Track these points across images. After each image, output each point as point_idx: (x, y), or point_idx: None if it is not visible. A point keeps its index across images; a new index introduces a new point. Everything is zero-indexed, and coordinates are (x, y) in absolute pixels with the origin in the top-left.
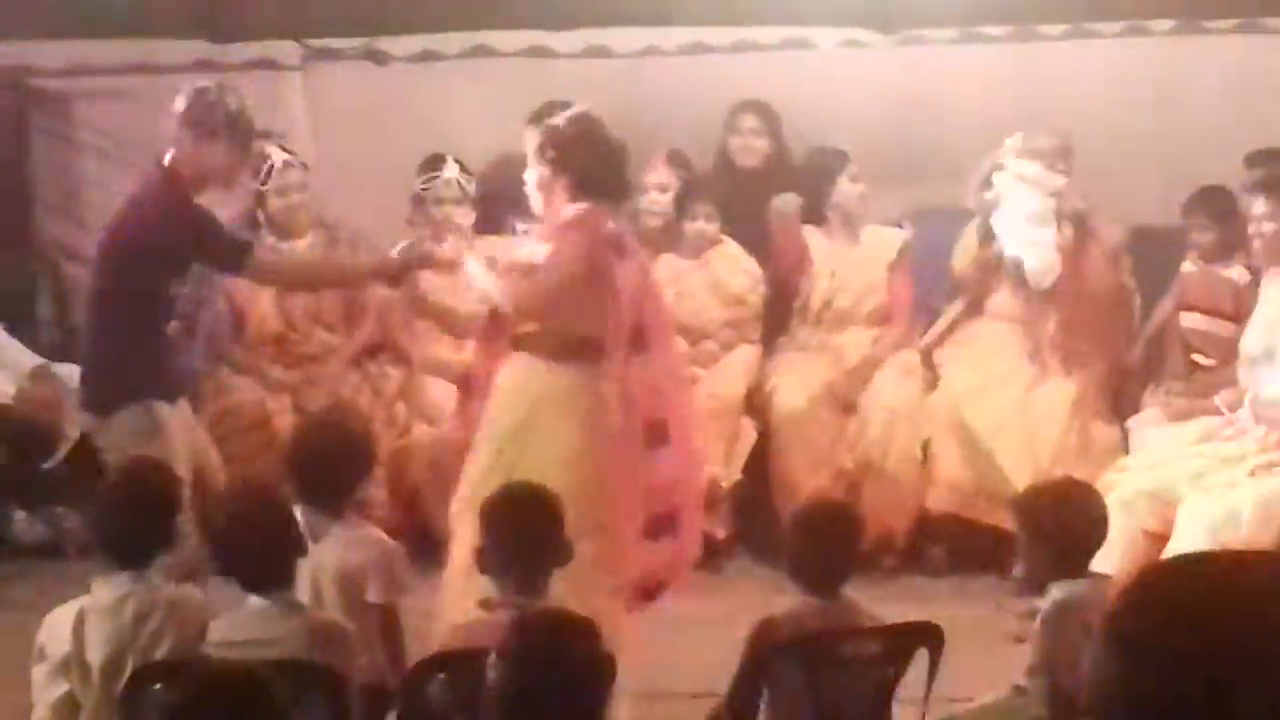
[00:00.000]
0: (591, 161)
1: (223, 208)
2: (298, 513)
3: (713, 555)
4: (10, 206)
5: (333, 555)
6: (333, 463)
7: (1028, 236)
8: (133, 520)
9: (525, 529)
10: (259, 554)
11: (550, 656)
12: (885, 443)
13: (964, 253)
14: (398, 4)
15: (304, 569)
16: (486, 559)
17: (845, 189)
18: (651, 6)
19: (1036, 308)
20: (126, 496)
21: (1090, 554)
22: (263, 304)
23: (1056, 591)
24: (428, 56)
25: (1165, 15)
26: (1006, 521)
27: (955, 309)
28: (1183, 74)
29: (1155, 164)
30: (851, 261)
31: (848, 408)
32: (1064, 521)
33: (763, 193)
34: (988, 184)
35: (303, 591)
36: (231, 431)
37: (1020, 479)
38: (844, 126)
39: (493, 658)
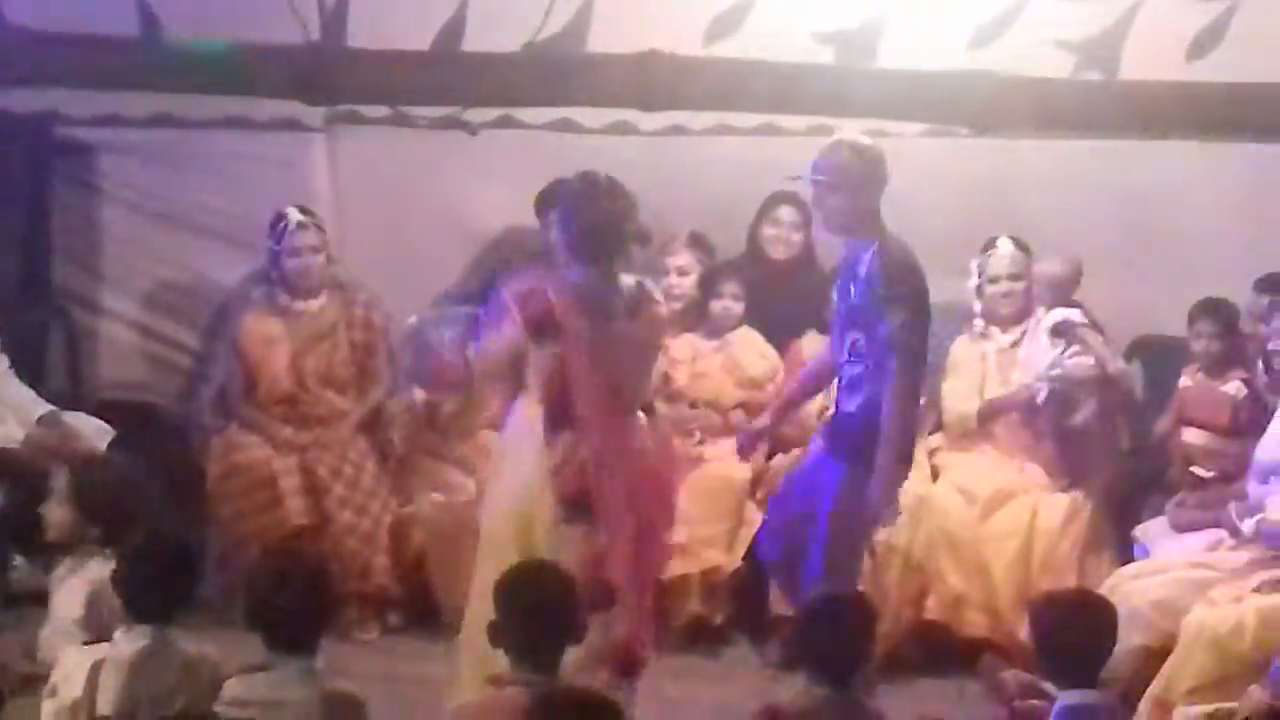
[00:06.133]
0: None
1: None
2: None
3: (710, 641)
4: (28, 254)
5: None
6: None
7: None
8: (158, 577)
9: (543, 606)
10: (295, 616)
11: None
12: (905, 547)
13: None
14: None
15: None
16: (501, 634)
17: None
18: (677, 92)
19: (1040, 424)
20: (154, 553)
21: (1100, 663)
22: (276, 363)
23: (1066, 699)
24: (452, 124)
25: (1189, 125)
26: (992, 631)
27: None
28: (1199, 183)
29: (1166, 272)
30: None
31: None
32: (1075, 630)
33: (788, 284)
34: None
35: None
36: (237, 490)
37: (1009, 590)
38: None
39: None
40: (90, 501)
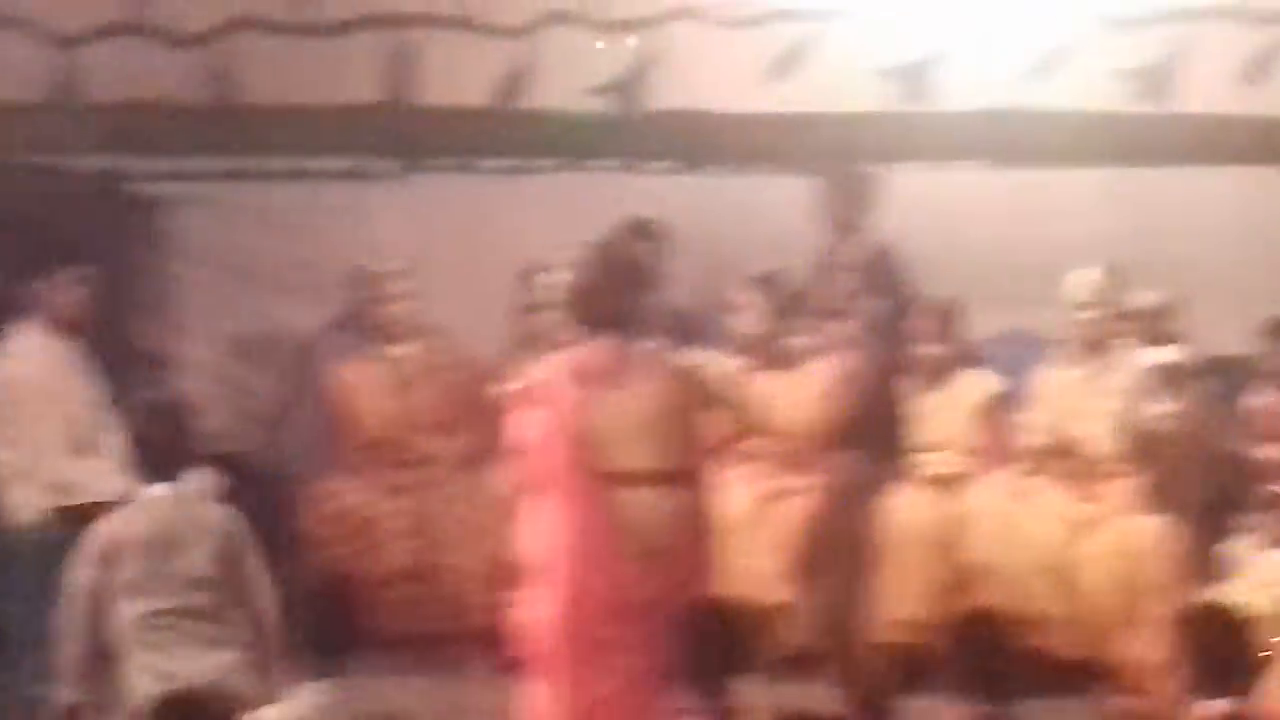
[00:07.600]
0: None
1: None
2: None
3: None
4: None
5: None
6: None
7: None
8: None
9: None
10: None
11: None
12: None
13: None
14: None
15: None
16: None
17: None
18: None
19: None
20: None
21: (1238, 672)
22: (374, 409)
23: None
24: (517, 170)
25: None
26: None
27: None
28: (1268, 203)
29: (1235, 293)
30: (938, 408)
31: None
32: (1213, 642)
33: None
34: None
35: None
36: (336, 536)
37: (1109, 612)
38: (943, 244)
39: None
40: None
